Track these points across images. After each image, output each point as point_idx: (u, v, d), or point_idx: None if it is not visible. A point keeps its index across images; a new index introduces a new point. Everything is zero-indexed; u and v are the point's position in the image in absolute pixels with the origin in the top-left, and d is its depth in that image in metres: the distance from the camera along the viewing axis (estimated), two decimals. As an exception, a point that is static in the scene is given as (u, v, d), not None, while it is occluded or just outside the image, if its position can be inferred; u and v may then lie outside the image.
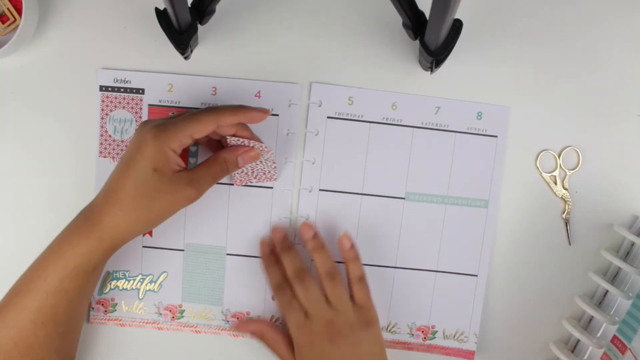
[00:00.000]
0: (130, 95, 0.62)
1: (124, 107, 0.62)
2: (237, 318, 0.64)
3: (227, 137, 0.55)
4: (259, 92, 0.62)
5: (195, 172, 0.53)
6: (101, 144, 0.63)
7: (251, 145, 0.56)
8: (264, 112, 0.54)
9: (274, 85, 0.62)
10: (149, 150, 0.50)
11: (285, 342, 0.59)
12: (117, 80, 0.62)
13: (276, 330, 0.61)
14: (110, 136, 0.62)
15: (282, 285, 0.59)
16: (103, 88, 0.62)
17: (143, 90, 0.62)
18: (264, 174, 0.61)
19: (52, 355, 0.54)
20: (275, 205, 0.63)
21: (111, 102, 0.62)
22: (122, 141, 0.62)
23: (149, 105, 0.62)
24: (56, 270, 0.51)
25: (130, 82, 0.62)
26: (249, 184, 0.62)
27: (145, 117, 0.62)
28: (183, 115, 0.53)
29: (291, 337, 0.59)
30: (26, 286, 0.52)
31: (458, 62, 0.61)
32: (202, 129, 0.52)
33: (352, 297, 0.59)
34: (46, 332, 0.53)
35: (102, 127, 0.62)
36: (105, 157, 0.63)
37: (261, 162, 0.58)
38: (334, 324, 0.57)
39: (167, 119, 0.53)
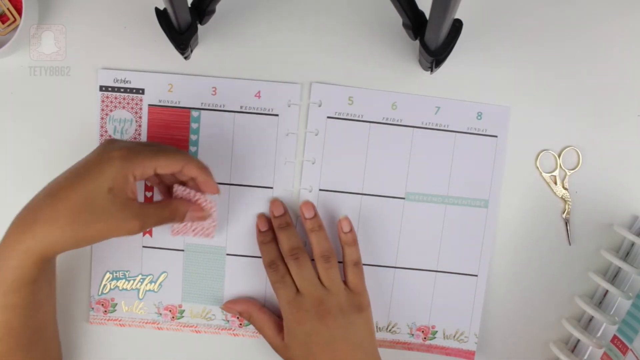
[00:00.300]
0: (131, 95, 0.62)
1: (124, 107, 0.62)
2: (237, 318, 0.64)
3: (175, 185, 0.56)
4: (259, 92, 0.62)
5: (145, 208, 0.52)
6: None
7: (196, 198, 0.56)
8: (217, 190, 0.56)
9: (273, 85, 0.62)
10: (112, 169, 0.48)
11: (273, 323, 0.60)
12: (117, 80, 0.62)
13: (264, 311, 0.61)
14: (110, 136, 0.62)
15: (275, 262, 0.59)
16: (103, 88, 0.62)
17: (143, 90, 0.62)
18: (203, 230, 0.60)
19: None
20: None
21: (111, 102, 0.62)
22: (122, 141, 0.63)
23: (149, 105, 0.62)
24: None
25: (130, 82, 0.62)
26: (186, 235, 0.60)
27: (145, 117, 0.62)
28: (153, 146, 0.52)
29: (281, 315, 0.59)
30: None
31: (458, 62, 0.61)
32: (169, 166, 0.52)
33: (345, 280, 0.59)
34: (7, 347, 0.51)
35: (102, 127, 0.62)
36: (105, 157, 0.63)
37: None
38: (325, 304, 0.57)
39: (136, 143, 0.52)
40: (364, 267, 0.63)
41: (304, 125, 0.63)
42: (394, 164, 0.63)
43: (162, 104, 0.62)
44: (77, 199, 0.48)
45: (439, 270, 0.64)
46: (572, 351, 0.63)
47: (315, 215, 0.61)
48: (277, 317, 0.61)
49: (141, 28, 0.61)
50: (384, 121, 0.62)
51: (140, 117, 0.62)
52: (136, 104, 0.62)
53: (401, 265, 0.64)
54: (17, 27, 0.58)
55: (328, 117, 0.62)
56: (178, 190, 0.56)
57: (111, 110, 0.62)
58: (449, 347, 0.65)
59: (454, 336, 0.64)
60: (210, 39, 0.61)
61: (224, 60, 0.62)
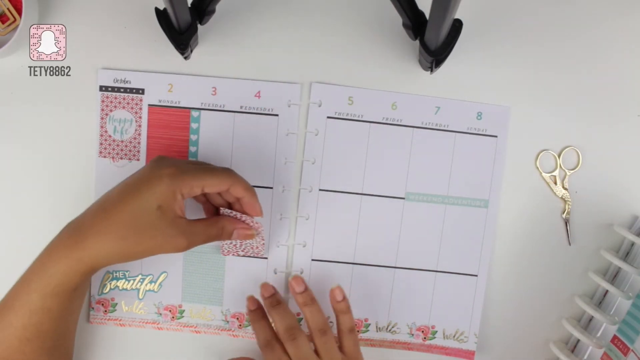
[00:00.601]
0: (130, 95, 0.62)
1: (124, 107, 0.62)
2: (237, 318, 0.64)
3: (222, 208, 0.57)
4: (258, 92, 0.62)
5: (193, 226, 0.53)
6: (101, 144, 0.63)
7: (243, 219, 0.57)
8: (260, 211, 0.56)
9: (274, 85, 0.62)
10: (162, 187, 0.50)
11: None
12: (117, 80, 0.62)
13: None
14: (110, 136, 0.62)
15: (271, 342, 0.58)
16: (103, 88, 0.62)
17: (143, 90, 0.62)
18: (252, 248, 0.61)
19: None
20: (275, 205, 0.63)
21: (111, 102, 0.62)
22: (122, 141, 0.62)
23: (149, 105, 0.62)
24: (38, 288, 0.51)
25: (130, 82, 0.62)
26: (236, 255, 0.62)
27: (145, 117, 0.62)
28: (202, 165, 0.54)
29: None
30: (11, 302, 0.52)
31: (458, 62, 0.61)
32: (216, 186, 0.52)
33: (341, 346, 0.60)
34: (32, 349, 0.52)
35: (102, 127, 0.62)
36: (105, 157, 0.63)
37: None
38: None
39: (184, 162, 0.53)
40: (365, 267, 0.63)
41: (304, 125, 0.63)
42: (394, 164, 0.63)
43: (162, 104, 0.62)
44: (127, 215, 0.49)
45: (439, 270, 0.64)
46: (572, 351, 0.63)
47: (306, 289, 0.61)
48: None
49: (141, 28, 0.61)
50: (384, 121, 0.62)
51: (140, 117, 0.62)
52: (136, 104, 0.62)
53: (401, 265, 0.64)
54: (17, 27, 0.58)
55: (328, 117, 0.62)
56: (224, 212, 0.57)
57: (111, 110, 0.62)
58: (449, 347, 0.65)
59: (454, 336, 0.64)
60: (210, 39, 0.61)
61: (224, 60, 0.62)
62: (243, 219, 0.57)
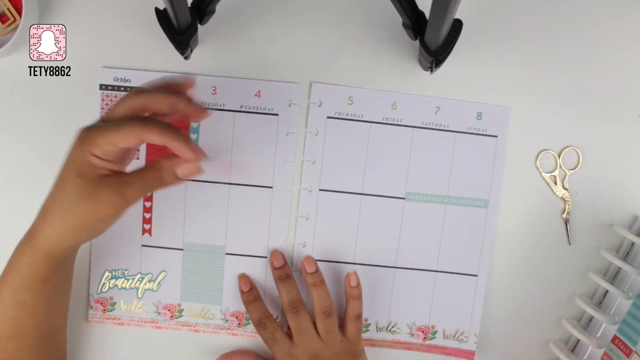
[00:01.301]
0: None
1: None
2: (236, 317, 0.64)
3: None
4: (259, 91, 0.62)
5: (123, 177, 0.49)
6: (101, 143, 0.62)
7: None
8: (196, 153, 0.49)
9: (274, 84, 0.62)
10: (73, 154, 0.48)
11: None
12: (117, 79, 0.62)
13: None
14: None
15: (263, 320, 0.60)
16: (103, 87, 0.62)
17: (143, 89, 0.62)
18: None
19: None
20: (275, 204, 0.63)
21: (111, 100, 0.62)
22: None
23: None
24: (8, 282, 0.50)
25: (130, 81, 0.62)
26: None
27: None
28: (113, 121, 0.48)
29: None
30: None
31: (458, 62, 0.61)
32: (123, 141, 0.47)
33: (344, 331, 0.60)
34: (15, 346, 0.52)
35: (102, 126, 0.62)
36: (105, 156, 0.63)
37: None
38: (320, 355, 0.58)
39: (97, 122, 0.49)
40: (365, 267, 0.63)
41: (304, 125, 0.63)
42: (394, 164, 0.63)
43: (162, 103, 0.62)
44: (57, 193, 0.48)
45: (439, 270, 0.64)
46: (572, 351, 0.63)
47: (317, 270, 0.62)
48: None
49: (141, 28, 0.61)
50: (384, 121, 0.62)
51: (140, 117, 0.62)
52: None
53: (401, 265, 0.64)
54: (17, 27, 0.58)
55: (328, 117, 0.62)
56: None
57: None
58: (449, 347, 0.65)
59: (454, 336, 0.64)
60: (210, 39, 0.61)
61: (223, 60, 0.62)
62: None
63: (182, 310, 0.64)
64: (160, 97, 0.49)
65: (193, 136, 0.62)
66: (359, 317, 0.61)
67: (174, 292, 0.64)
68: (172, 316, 0.64)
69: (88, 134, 0.47)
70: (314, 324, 0.60)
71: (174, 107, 0.49)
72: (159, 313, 0.64)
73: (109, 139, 0.46)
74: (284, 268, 0.62)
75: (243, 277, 0.63)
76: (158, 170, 0.49)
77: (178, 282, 0.64)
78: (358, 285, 0.61)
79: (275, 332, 0.59)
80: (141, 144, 0.52)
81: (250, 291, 0.62)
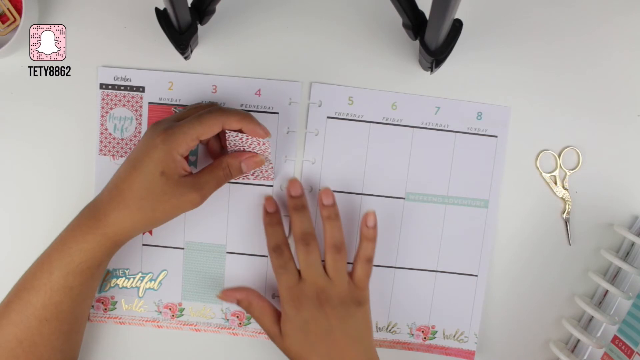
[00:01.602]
0: (131, 93, 0.62)
1: (124, 105, 0.62)
2: (237, 316, 0.64)
3: (227, 131, 0.56)
4: (259, 90, 0.62)
5: (200, 177, 0.54)
6: (101, 141, 0.63)
7: (249, 143, 0.56)
8: (265, 131, 0.55)
9: (274, 83, 0.62)
10: (158, 154, 0.51)
11: (271, 312, 0.59)
12: (117, 78, 0.62)
13: (263, 300, 0.60)
14: (110, 134, 0.63)
15: (281, 247, 0.59)
16: (103, 86, 0.62)
17: (143, 88, 0.62)
18: (262, 172, 0.61)
19: (55, 355, 0.54)
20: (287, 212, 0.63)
21: (111, 100, 0.62)
22: (122, 139, 0.63)
23: (149, 103, 0.62)
24: (61, 266, 0.52)
25: (130, 80, 0.62)
26: (247, 180, 0.62)
27: (145, 115, 0.62)
28: (189, 118, 0.53)
29: (280, 301, 0.58)
30: (30, 283, 0.53)
31: (458, 62, 0.61)
32: (208, 132, 0.53)
33: (352, 273, 0.59)
34: (50, 330, 0.53)
35: (102, 124, 0.62)
36: (105, 154, 0.63)
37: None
38: (325, 292, 0.57)
39: (174, 122, 0.53)
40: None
41: (304, 125, 0.63)
42: (394, 164, 0.63)
43: (162, 102, 0.62)
44: (138, 187, 0.52)
45: (439, 270, 0.64)
46: (572, 351, 0.64)
47: (334, 203, 0.61)
48: (275, 307, 0.60)
49: (141, 28, 0.61)
50: (384, 121, 0.62)
51: (140, 115, 0.62)
52: (136, 102, 0.62)
53: (401, 265, 0.64)
54: (17, 27, 0.58)
55: (328, 117, 0.62)
56: (230, 136, 0.56)
57: (111, 108, 0.62)
58: (449, 347, 0.65)
59: (454, 336, 0.64)
60: (210, 39, 0.61)
61: (223, 60, 0.62)
62: (250, 142, 0.56)
63: (183, 309, 0.64)
64: (233, 115, 0.54)
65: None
66: (369, 260, 0.59)
67: (175, 291, 0.64)
68: (173, 315, 0.64)
69: (172, 134, 0.52)
70: (323, 262, 0.59)
71: (243, 126, 0.55)
72: (160, 312, 0.64)
73: (194, 135, 0.52)
74: (301, 198, 0.61)
75: (269, 199, 0.62)
76: (226, 168, 0.56)
77: (179, 281, 0.64)
78: (375, 226, 0.60)
79: (289, 262, 0.58)
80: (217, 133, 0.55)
81: (274, 213, 0.61)
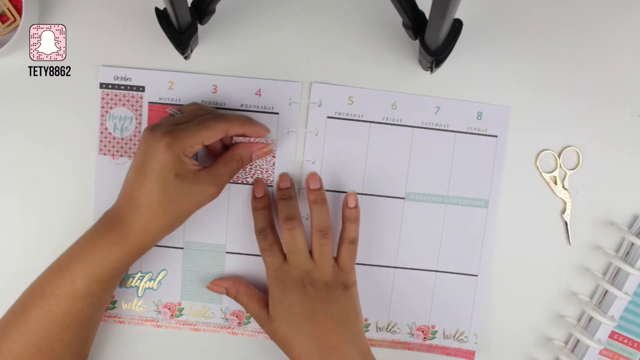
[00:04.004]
0: (131, 92, 0.62)
1: (124, 105, 0.62)
2: (236, 316, 0.64)
3: (234, 138, 0.58)
4: (259, 90, 0.62)
5: (214, 170, 0.55)
6: (101, 141, 0.63)
7: (255, 141, 0.58)
8: (266, 129, 0.58)
9: (274, 83, 0.62)
10: (166, 158, 0.51)
11: (258, 298, 0.60)
12: (117, 78, 0.62)
13: (250, 287, 0.61)
14: (110, 133, 0.63)
15: (266, 229, 0.60)
16: (103, 85, 0.62)
17: (143, 87, 0.62)
18: (262, 172, 0.62)
19: (72, 359, 0.55)
20: (275, 203, 0.63)
21: (111, 99, 0.62)
22: (122, 139, 0.63)
23: (149, 102, 0.62)
24: (84, 276, 0.53)
25: (130, 80, 0.62)
26: (246, 182, 0.62)
27: (145, 115, 0.62)
28: (193, 123, 0.54)
29: (267, 283, 0.59)
30: (51, 291, 0.53)
31: (458, 62, 0.61)
32: (212, 137, 0.54)
33: (337, 256, 0.59)
34: (70, 336, 0.54)
35: (102, 124, 0.62)
36: (105, 154, 0.63)
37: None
38: (310, 275, 0.57)
39: (174, 125, 0.53)
40: (364, 266, 0.63)
41: (304, 125, 0.63)
42: (394, 164, 0.63)
43: (162, 101, 0.62)
44: (156, 195, 0.52)
45: (439, 270, 0.64)
46: (572, 351, 0.64)
47: (321, 187, 0.61)
48: (263, 293, 0.61)
49: (141, 28, 0.61)
50: (384, 121, 0.62)
51: (140, 115, 0.62)
52: (136, 102, 0.62)
53: (401, 265, 0.64)
54: (17, 27, 0.58)
55: (328, 117, 0.62)
56: (237, 140, 0.58)
57: (111, 108, 0.62)
58: (449, 347, 0.65)
59: (454, 336, 0.64)
60: (210, 39, 0.61)
61: (223, 60, 0.62)
62: (256, 140, 0.58)
63: (182, 309, 0.64)
64: (236, 121, 0.56)
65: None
66: (353, 241, 0.59)
67: (174, 291, 0.64)
68: (172, 315, 0.64)
69: (177, 137, 0.52)
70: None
71: (246, 130, 0.57)
72: (159, 312, 0.64)
73: (198, 139, 0.53)
74: (289, 189, 0.61)
75: (259, 182, 0.62)
76: (239, 160, 0.58)
77: (178, 281, 0.64)
78: (356, 206, 0.60)
79: (274, 245, 0.59)
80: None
81: (262, 197, 0.62)
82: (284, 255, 0.59)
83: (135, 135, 0.63)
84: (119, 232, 0.53)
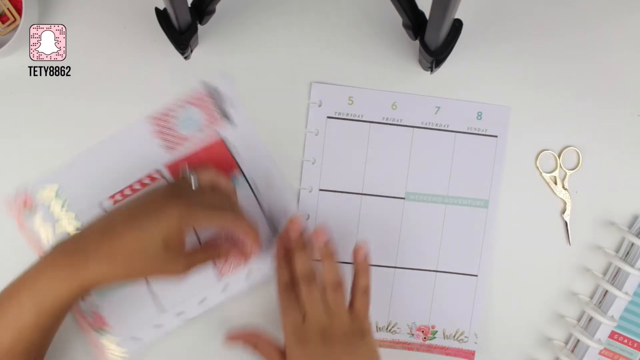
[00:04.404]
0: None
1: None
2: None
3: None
4: None
5: (193, 254, 0.55)
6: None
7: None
8: (249, 257, 0.60)
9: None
10: (170, 222, 0.51)
11: (276, 351, 0.59)
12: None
13: (269, 341, 0.60)
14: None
15: (288, 287, 0.59)
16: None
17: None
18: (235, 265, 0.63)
19: None
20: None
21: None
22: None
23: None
24: (31, 305, 0.50)
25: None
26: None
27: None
28: (209, 202, 0.54)
29: (284, 340, 0.58)
30: None
31: (458, 62, 0.61)
32: (219, 226, 0.56)
33: (351, 304, 0.59)
34: None
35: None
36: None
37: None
38: (329, 329, 0.57)
39: (195, 197, 0.54)
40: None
41: (304, 125, 0.63)
42: (394, 164, 0.63)
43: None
44: (133, 244, 0.51)
45: (438, 270, 0.64)
46: (572, 351, 0.64)
47: (328, 241, 0.60)
48: (280, 345, 0.60)
49: (141, 28, 0.61)
50: (384, 121, 0.62)
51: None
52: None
53: (401, 265, 0.64)
54: (17, 27, 0.58)
55: (328, 117, 0.62)
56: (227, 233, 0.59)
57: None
58: (449, 347, 0.65)
59: (454, 336, 0.64)
60: (210, 39, 0.61)
61: (224, 60, 0.62)
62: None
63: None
64: (244, 228, 0.56)
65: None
66: (366, 291, 0.59)
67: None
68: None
69: (191, 212, 0.52)
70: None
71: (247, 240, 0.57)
72: None
73: (209, 221, 0.53)
74: (301, 237, 0.60)
75: (281, 242, 0.62)
76: (217, 255, 0.57)
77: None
78: (366, 258, 0.60)
79: (295, 302, 0.58)
80: None
81: (283, 257, 0.61)
82: (303, 312, 0.58)
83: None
84: (71, 266, 0.50)
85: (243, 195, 0.62)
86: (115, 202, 0.61)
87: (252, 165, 0.62)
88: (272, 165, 0.62)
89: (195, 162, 0.62)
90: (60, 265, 0.50)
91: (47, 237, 0.61)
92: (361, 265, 0.60)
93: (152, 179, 0.62)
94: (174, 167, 0.61)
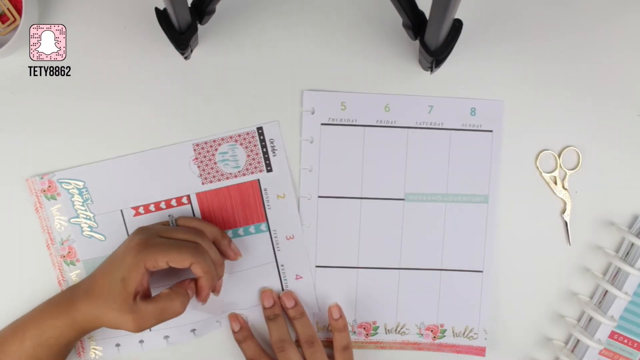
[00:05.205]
0: None
1: None
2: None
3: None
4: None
5: (144, 305, 0.53)
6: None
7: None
8: (205, 299, 0.57)
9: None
10: (129, 258, 0.53)
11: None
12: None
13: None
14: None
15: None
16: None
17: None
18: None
19: None
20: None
21: None
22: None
23: None
24: (32, 336, 0.55)
25: (130, 81, 0.62)
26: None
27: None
28: (170, 239, 0.55)
29: None
30: (2, 346, 0.56)
31: (458, 62, 0.62)
32: (179, 262, 0.53)
33: None
34: None
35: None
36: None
37: None
38: None
39: (155, 234, 0.55)
40: (369, 270, 0.63)
41: (299, 133, 0.62)
42: (391, 166, 0.63)
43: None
44: (103, 285, 0.54)
45: (443, 268, 0.63)
46: (572, 351, 0.63)
47: (297, 303, 0.63)
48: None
49: (141, 28, 0.61)
50: (378, 124, 0.62)
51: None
52: None
53: (405, 266, 0.63)
54: (17, 27, 0.58)
55: (322, 124, 0.62)
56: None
57: None
58: (459, 344, 0.64)
59: (464, 333, 0.64)
60: (210, 39, 0.61)
61: (223, 61, 0.62)
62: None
63: None
64: (204, 267, 0.54)
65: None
66: (346, 348, 0.62)
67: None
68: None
69: (148, 247, 0.53)
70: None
71: (205, 281, 0.55)
72: None
73: (166, 257, 0.53)
74: (273, 308, 0.62)
75: (234, 317, 0.63)
76: (173, 307, 0.55)
77: None
78: (341, 317, 0.62)
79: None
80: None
81: (240, 331, 0.63)
82: None
83: None
84: (65, 306, 0.56)
85: (261, 246, 0.63)
86: (137, 214, 0.62)
87: (277, 217, 0.63)
88: (297, 220, 0.63)
89: (223, 198, 0.62)
90: (61, 304, 0.56)
91: (60, 227, 0.62)
92: (337, 324, 0.62)
93: (180, 202, 0.62)
94: (203, 197, 0.62)
